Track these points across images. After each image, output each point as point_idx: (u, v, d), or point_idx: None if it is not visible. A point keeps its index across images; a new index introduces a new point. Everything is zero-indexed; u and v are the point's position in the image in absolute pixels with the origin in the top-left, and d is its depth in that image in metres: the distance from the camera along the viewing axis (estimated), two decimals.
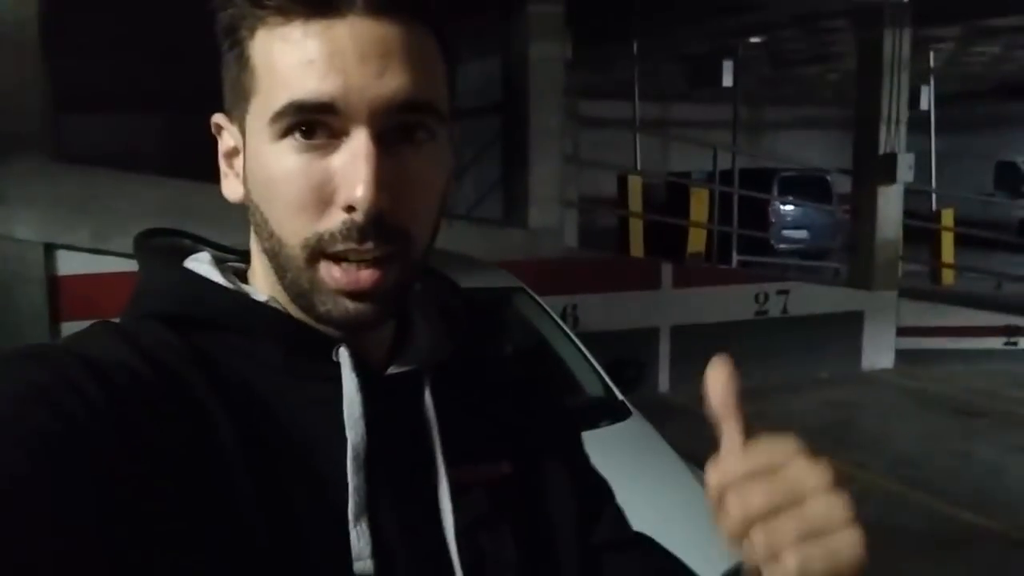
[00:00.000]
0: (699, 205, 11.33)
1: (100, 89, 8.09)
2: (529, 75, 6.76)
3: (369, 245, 0.61)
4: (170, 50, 8.02)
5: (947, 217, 12.02)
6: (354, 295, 0.62)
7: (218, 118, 0.70)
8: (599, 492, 0.83)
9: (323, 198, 0.61)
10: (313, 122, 0.61)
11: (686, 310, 7.54)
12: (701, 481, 2.41)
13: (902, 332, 8.61)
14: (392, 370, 0.70)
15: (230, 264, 0.74)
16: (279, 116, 0.61)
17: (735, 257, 10.83)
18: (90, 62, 7.47)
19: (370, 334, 0.69)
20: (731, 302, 7.87)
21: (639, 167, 10.53)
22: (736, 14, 9.25)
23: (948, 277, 11.96)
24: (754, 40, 11.21)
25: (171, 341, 0.65)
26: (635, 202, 10.60)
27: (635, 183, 10.64)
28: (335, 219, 0.61)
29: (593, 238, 11.12)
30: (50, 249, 5.23)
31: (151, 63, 8.51)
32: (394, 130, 0.62)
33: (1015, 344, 8.95)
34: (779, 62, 13.18)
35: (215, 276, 0.69)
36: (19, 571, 0.47)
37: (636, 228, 10.50)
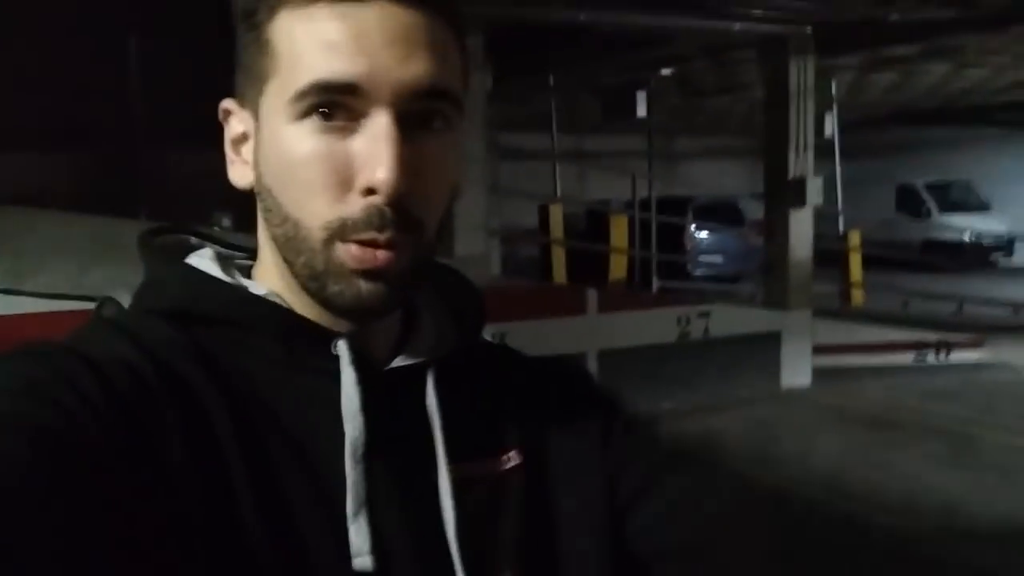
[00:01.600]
0: (619, 232, 11.53)
1: (11, 127, 7.85)
2: None
3: (389, 233, 0.61)
4: (78, 88, 7.86)
5: (855, 238, 12.48)
6: (369, 274, 0.62)
7: (227, 103, 0.69)
8: (637, 487, 0.77)
9: (343, 180, 0.61)
10: (334, 103, 0.61)
11: (612, 334, 7.64)
12: None
13: (817, 351, 8.87)
14: (395, 364, 0.69)
15: (236, 261, 0.73)
16: (302, 95, 0.61)
17: (655, 283, 11.03)
18: (2, 100, 7.26)
19: (372, 326, 0.68)
20: (655, 326, 8.00)
21: (559, 196, 10.67)
22: (647, 47, 9.49)
23: (858, 297, 12.39)
24: (665, 72, 11.50)
25: (171, 336, 0.65)
26: (557, 230, 10.73)
27: (556, 212, 10.78)
28: (356, 205, 0.61)
29: (515, 268, 11.20)
30: None
31: (58, 101, 8.30)
32: (413, 116, 0.62)
33: (924, 359, 9.31)
34: (690, 93, 13.55)
35: (215, 271, 0.69)
36: (14, 568, 0.47)
37: (558, 256, 10.62)
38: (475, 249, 7.00)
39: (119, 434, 0.56)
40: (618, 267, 11.63)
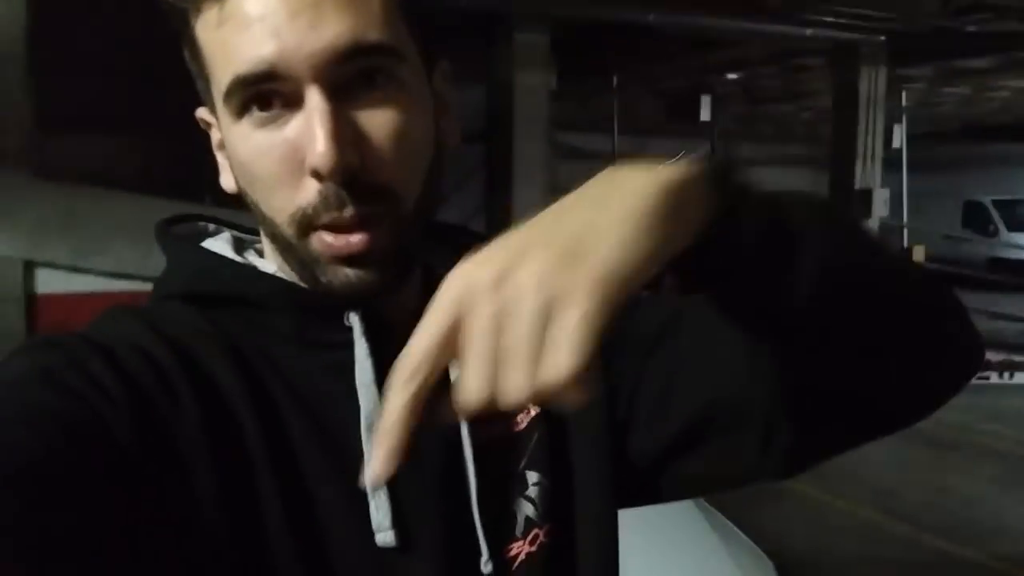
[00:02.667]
0: None
1: (82, 109, 8.05)
2: (514, 103, 6.81)
3: (350, 211, 0.58)
4: (151, 72, 8.02)
5: (918, 253, 12.21)
6: (350, 260, 0.60)
7: (201, 112, 0.67)
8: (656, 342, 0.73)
9: (292, 169, 0.59)
10: (264, 93, 0.58)
11: None
12: (709, 516, 2.41)
13: None
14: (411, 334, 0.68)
15: (256, 246, 0.72)
16: (229, 95, 0.58)
17: None
18: (73, 81, 7.43)
19: (384, 302, 0.66)
20: None
21: None
22: (713, 50, 9.40)
23: None
24: (731, 77, 11.39)
25: (187, 319, 0.64)
26: None
27: None
28: (311, 190, 0.59)
29: None
30: (29, 267, 5.16)
31: (133, 84, 8.48)
32: (349, 81, 0.58)
33: (987, 379, 9.07)
34: (755, 99, 13.39)
35: (228, 253, 0.68)
36: (24, 550, 0.46)
37: None
38: None
39: (134, 420, 0.55)
40: None
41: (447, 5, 5.91)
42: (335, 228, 0.59)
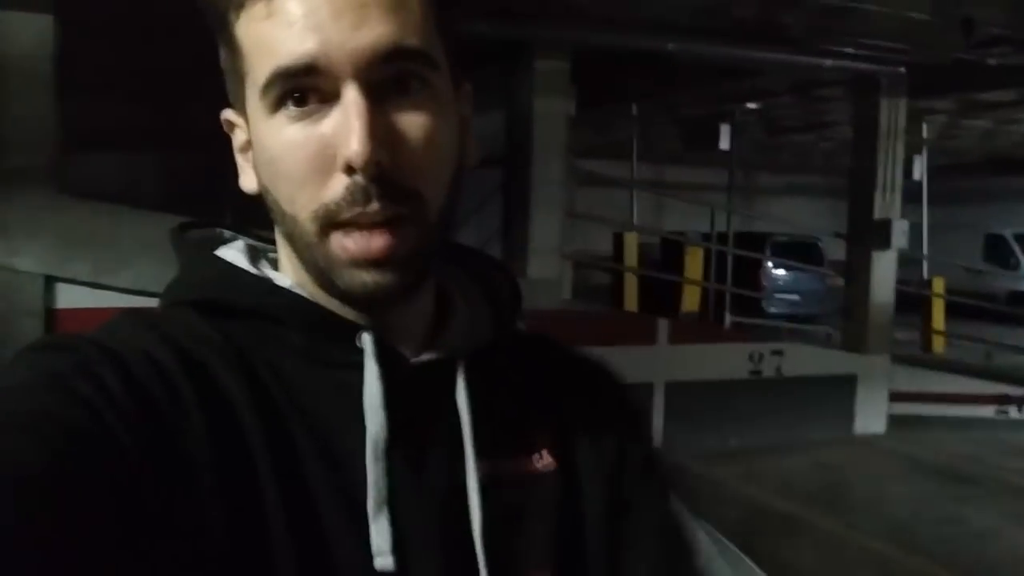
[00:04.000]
0: (694, 263, 11.41)
1: (106, 127, 8.14)
2: (533, 129, 6.84)
3: (375, 206, 0.59)
4: (174, 92, 8.11)
5: (938, 285, 12.13)
6: (369, 264, 0.60)
7: (227, 114, 0.68)
8: (649, 500, 0.77)
9: (323, 165, 0.59)
10: (302, 88, 0.59)
11: (681, 366, 7.54)
12: (708, 533, 2.40)
13: (894, 397, 8.62)
14: (423, 358, 0.67)
15: (270, 255, 0.72)
16: (268, 87, 0.60)
17: (728, 318, 10.87)
18: (97, 100, 7.53)
19: (399, 317, 0.67)
20: (726, 360, 7.88)
21: (635, 224, 10.62)
22: (733, 80, 9.42)
23: (939, 345, 12.02)
24: (750, 106, 11.40)
25: (197, 328, 0.64)
26: (630, 258, 10.67)
27: (631, 240, 10.73)
28: (338, 185, 0.59)
29: (586, 294, 11.15)
30: (50, 282, 5.21)
31: (156, 104, 8.58)
32: (386, 83, 0.60)
33: (1006, 413, 8.97)
34: (774, 129, 13.39)
35: (242, 263, 0.69)
36: (23, 559, 0.46)
37: (631, 285, 10.55)
38: (549, 273, 6.98)
39: (140, 429, 0.55)
40: (691, 299, 11.49)
41: (468, 31, 5.96)
42: (357, 226, 0.60)
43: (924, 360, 10.30)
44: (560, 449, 0.72)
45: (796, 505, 6.21)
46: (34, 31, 5.07)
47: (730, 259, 11.11)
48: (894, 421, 8.55)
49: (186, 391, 0.59)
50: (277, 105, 0.60)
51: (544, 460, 0.71)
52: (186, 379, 0.60)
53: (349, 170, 0.58)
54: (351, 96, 0.58)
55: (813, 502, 6.33)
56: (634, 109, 11.02)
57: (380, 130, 0.58)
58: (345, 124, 0.58)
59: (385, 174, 0.59)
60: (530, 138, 6.88)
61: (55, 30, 5.93)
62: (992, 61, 7.88)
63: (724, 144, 10.31)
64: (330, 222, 0.60)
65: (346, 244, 0.60)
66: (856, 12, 6.70)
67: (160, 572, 0.53)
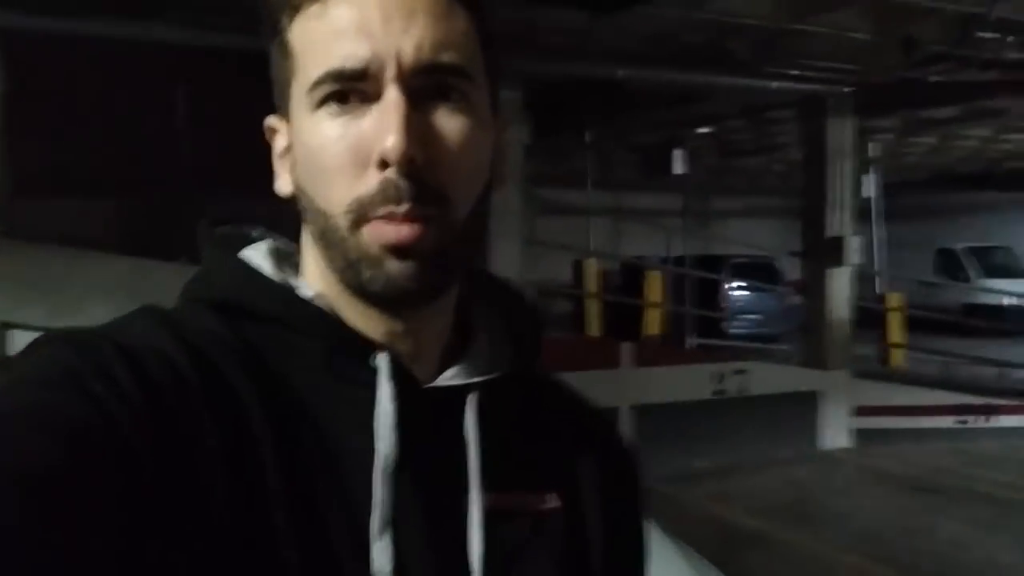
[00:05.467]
0: (653, 287, 11.50)
1: (55, 171, 8.06)
2: None
3: (406, 206, 0.60)
4: (124, 136, 8.06)
5: (893, 300, 12.33)
6: (397, 251, 0.61)
7: (270, 120, 0.70)
8: (634, 558, 0.79)
9: (360, 160, 0.61)
10: (346, 91, 0.61)
11: (646, 389, 7.58)
12: (683, 554, 2.39)
13: (857, 412, 8.72)
14: (437, 383, 0.68)
15: (295, 259, 0.72)
16: (316, 86, 0.61)
17: (690, 340, 10.95)
18: (45, 144, 7.45)
19: (416, 335, 0.67)
20: (690, 382, 7.93)
21: (593, 250, 10.70)
22: (685, 106, 9.57)
23: (897, 358, 12.19)
24: (702, 131, 11.57)
25: (215, 329, 0.64)
26: (591, 284, 10.73)
27: (590, 266, 10.80)
28: (372, 181, 0.60)
29: (549, 322, 11.17)
30: (4, 328, 5.11)
31: (105, 148, 8.52)
32: (426, 89, 0.61)
33: (966, 423, 9.11)
34: (727, 152, 13.60)
35: (266, 267, 0.68)
36: (29, 557, 0.46)
37: (592, 310, 10.60)
38: None
39: (152, 431, 0.55)
40: (652, 323, 11.57)
41: None
42: (388, 221, 0.61)
43: (884, 374, 10.44)
44: (566, 489, 0.72)
45: (765, 521, 6.24)
46: None
47: (688, 282, 11.21)
48: (858, 435, 8.64)
49: (200, 394, 0.59)
50: (321, 103, 0.62)
51: (550, 500, 0.71)
52: (200, 382, 0.60)
53: (383, 165, 0.60)
54: (392, 95, 0.60)
55: (782, 518, 6.36)
56: (588, 137, 11.13)
57: (417, 129, 0.60)
58: (383, 120, 0.60)
59: (417, 172, 0.60)
60: None
61: (2, 74, 5.87)
62: (935, 78, 8.08)
63: (678, 169, 10.45)
64: (362, 216, 0.61)
65: (376, 228, 0.61)
66: (799, 35, 6.86)
67: (165, 574, 0.53)
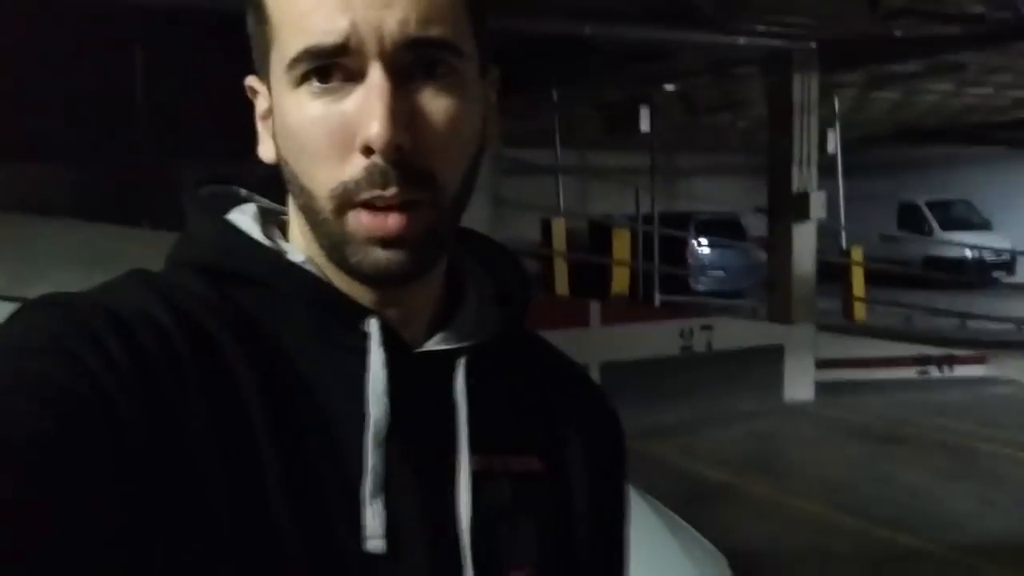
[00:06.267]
0: (621, 245, 11.55)
1: (8, 137, 7.89)
2: None
3: (393, 190, 0.58)
4: (82, 99, 7.90)
5: (856, 254, 12.49)
6: (384, 242, 0.60)
7: (251, 80, 0.68)
8: (616, 520, 0.80)
9: (343, 143, 0.59)
10: (327, 67, 0.59)
11: (615, 347, 7.64)
12: (653, 507, 2.43)
13: (820, 365, 8.86)
14: (427, 347, 0.67)
15: (282, 219, 0.71)
16: (295, 63, 0.59)
17: (658, 297, 11.03)
18: (8, 111, 7.29)
19: (407, 300, 0.66)
20: (657, 338, 8.00)
21: (562, 210, 10.70)
22: (650, 62, 9.53)
23: (860, 312, 12.38)
24: (669, 88, 11.54)
25: (204, 293, 0.63)
26: (559, 243, 10.74)
27: (558, 225, 10.80)
28: (357, 165, 0.59)
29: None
30: None
31: (62, 112, 8.34)
32: (411, 66, 0.59)
33: (927, 373, 9.29)
34: (693, 109, 13.59)
35: (254, 231, 0.67)
36: (26, 530, 0.46)
37: (561, 270, 10.63)
38: None
39: (142, 396, 0.55)
40: (620, 281, 11.63)
41: None
42: (374, 207, 0.59)
43: (847, 327, 10.60)
44: (550, 452, 0.73)
45: (733, 474, 6.36)
46: None
47: (656, 239, 11.26)
48: (822, 388, 8.79)
49: (189, 359, 0.58)
50: (301, 80, 0.60)
51: (535, 461, 0.71)
52: (190, 347, 0.59)
53: (368, 151, 0.58)
54: (375, 77, 0.58)
55: (749, 470, 6.48)
56: (555, 95, 11.07)
57: (402, 113, 0.58)
58: (367, 105, 0.58)
59: (405, 157, 0.58)
60: None
61: None
62: (898, 33, 8.12)
63: (644, 126, 10.42)
64: (347, 201, 0.60)
65: (363, 220, 0.60)
66: None
67: (157, 542, 0.53)
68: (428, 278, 0.67)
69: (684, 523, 2.54)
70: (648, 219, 11.75)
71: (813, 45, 8.41)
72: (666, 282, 11.63)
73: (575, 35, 7.46)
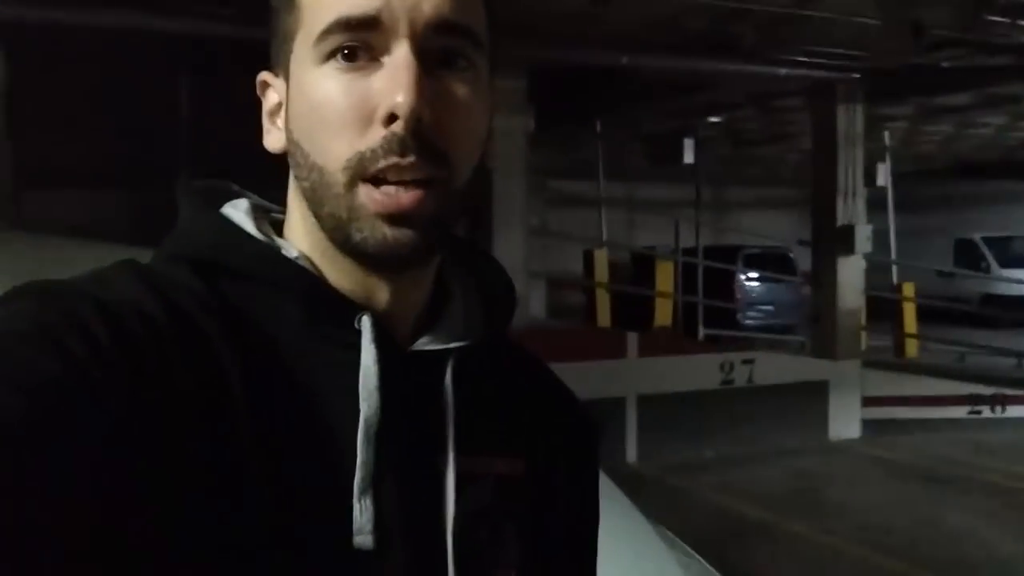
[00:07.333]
0: (664, 277, 11.44)
1: (60, 164, 8.12)
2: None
3: (411, 159, 0.60)
4: (128, 125, 8.11)
5: (908, 289, 12.21)
6: (394, 218, 0.61)
7: (264, 75, 0.70)
8: (589, 525, 0.82)
9: (364, 116, 0.60)
10: (355, 45, 0.61)
11: (652, 379, 7.54)
12: (671, 544, 2.35)
13: (867, 402, 8.65)
14: (417, 346, 0.68)
15: (274, 215, 0.72)
16: (325, 35, 0.61)
17: (702, 330, 10.89)
18: (50, 137, 7.51)
19: (398, 297, 0.67)
20: (697, 371, 7.88)
21: (604, 240, 10.66)
22: (692, 93, 9.50)
23: (912, 348, 12.07)
24: (713, 120, 11.48)
25: (193, 286, 0.63)
26: (601, 274, 10.68)
27: (601, 256, 10.75)
28: (375, 136, 0.60)
29: (561, 314, 11.15)
30: None
31: (109, 138, 8.57)
32: (435, 53, 0.62)
33: (979, 413, 9.01)
34: (738, 142, 13.50)
35: (247, 225, 0.68)
36: (9, 520, 0.46)
37: (603, 301, 10.56)
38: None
39: (128, 387, 0.54)
40: (663, 313, 11.50)
41: None
42: (387, 180, 0.60)
43: (893, 364, 10.35)
44: (531, 456, 0.74)
45: (771, 512, 6.21)
46: None
47: (700, 272, 11.14)
48: (868, 426, 8.58)
49: (178, 352, 0.58)
50: (328, 56, 0.61)
51: (519, 463, 0.73)
52: (178, 339, 0.59)
53: (390, 119, 0.60)
54: (402, 52, 0.60)
55: (788, 509, 6.32)
56: (598, 126, 11.07)
57: (426, 89, 0.60)
58: (393, 78, 0.60)
59: (423, 131, 0.60)
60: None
61: (5, 66, 5.91)
62: (945, 64, 7.98)
63: (688, 158, 10.36)
64: (361, 173, 0.61)
65: (374, 196, 0.61)
66: (805, 20, 6.78)
67: (138, 532, 0.53)
68: (420, 275, 0.68)
69: (695, 555, 2.46)
70: (693, 252, 11.65)
71: (857, 76, 8.30)
72: (712, 316, 11.49)
73: (615, 66, 7.47)
